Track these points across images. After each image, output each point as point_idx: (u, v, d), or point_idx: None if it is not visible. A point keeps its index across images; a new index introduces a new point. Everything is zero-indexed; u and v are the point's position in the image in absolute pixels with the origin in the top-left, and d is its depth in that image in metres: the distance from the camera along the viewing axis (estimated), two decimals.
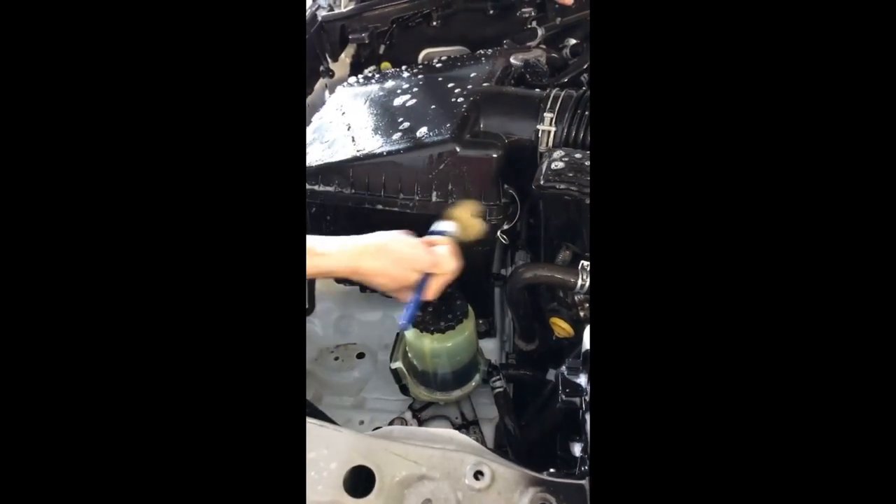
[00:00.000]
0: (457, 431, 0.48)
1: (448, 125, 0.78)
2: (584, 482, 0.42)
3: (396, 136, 0.80)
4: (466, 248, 0.83)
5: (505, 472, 0.43)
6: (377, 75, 1.07)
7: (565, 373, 0.52)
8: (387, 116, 0.86)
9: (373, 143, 0.80)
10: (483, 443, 0.76)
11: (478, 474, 0.42)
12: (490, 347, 0.91)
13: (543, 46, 1.14)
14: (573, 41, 1.17)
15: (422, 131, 0.79)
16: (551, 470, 0.50)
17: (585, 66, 1.05)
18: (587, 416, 0.47)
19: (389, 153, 0.77)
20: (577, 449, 0.57)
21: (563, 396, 0.51)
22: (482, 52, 1.05)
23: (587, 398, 0.48)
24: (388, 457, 0.43)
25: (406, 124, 0.82)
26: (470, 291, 0.79)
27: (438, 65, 1.06)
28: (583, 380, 0.50)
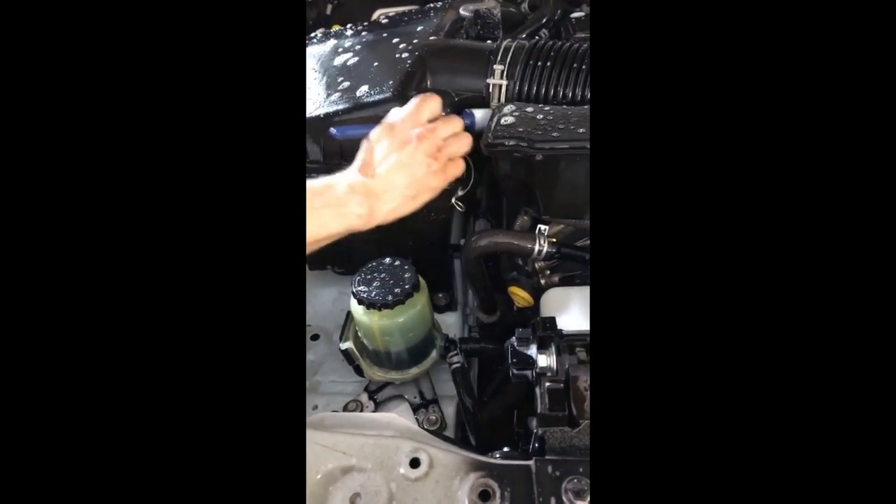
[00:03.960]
0: (395, 415, 0.43)
1: (391, 82, 0.71)
2: (531, 463, 0.38)
3: (335, 96, 0.73)
4: (421, 218, 0.78)
5: (444, 457, 0.38)
6: (320, 35, 0.99)
7: (515, 344, 0.47)
8: (326, 77, 0.79)
9: (309, 106, 0.73)
10: (443, 421, 0.72)
11: (414, 462, 0.38)
12: (451, 322, 0.87)
13: (499, 0, 1.07)
14: None
15: (362, 90, 0.72)
16: (505, 449, 0.47)
17: (544, 20, 0.99)
18: (537, 390, 0.43)
19: (327, 116, 0.70)
20: (534, 424, 0.53)
21: (514, 370, 0.47)
22: (432, 5, 0.97)
23: (537, 370, 0.44)
24: (313, 449, 0.38)
25: (346, 84, 0.75)
26: (427, 263, 0.74)
27: (384, 20, 0.98)
28: (533, 351, 0.46)
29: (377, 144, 0.56)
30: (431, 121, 0.58)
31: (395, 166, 0.55)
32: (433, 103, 0.59)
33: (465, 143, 0.59)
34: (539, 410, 0.40)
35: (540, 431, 0.39)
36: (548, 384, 0.40)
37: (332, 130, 0.58)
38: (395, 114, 0.59)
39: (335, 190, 0.53)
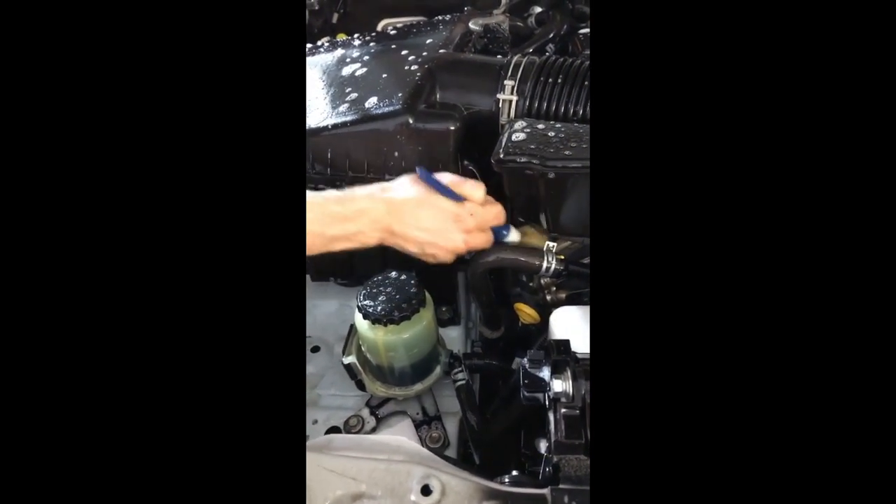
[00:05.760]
0: (405, 439, 0.42)
1: (400, 95, 0.70)
2: (546, 492, 0.37)
3: (343, 107, 0.72)
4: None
5: (456, 484, 0.37)
6: (326, 44, 0.98)
7: (527, 366, 0.46)
8: (333, 87, 0.78)
9: (317, 117, 0.72)
10: (446, 438, 0.71)
11: (425, 489, 0.37)
12: (454, 336, 0.86)
13: (507, 14, 1.07)
14: (539, 9, 1.10)
15: (371, 102, 0.71)
16: (514, 473, 0.45)
17: (551, 35, 0.99)
18: (550, 416, 0.42)
19: (335, 126, 0.70)
20: (542, 446, 0.52)
21: (526, 392, 0.46)
22: (440, 17, 0.97)
23: (552, 395, 0.43)
24: (320, 474, 0.37)
25: (354, 95, 0.74)
26: (431, 276, 0.73)
27: (393, 32, 0.97)
28: (545, 373, 0.45)
29: (447, 221, 0.60)
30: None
31: (423, 241, 0.60)
32: (500, 222, 0.64)
33: (487, 245, 0.65)
34: (554, 438, 0.39)
35: (555, 459, 0.38)
36: (563, 410, 0.39)
37: (421, 171, 0.62)
38: (478, 210, 0.62)
39: (359, 215, 0.58)
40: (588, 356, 0.46)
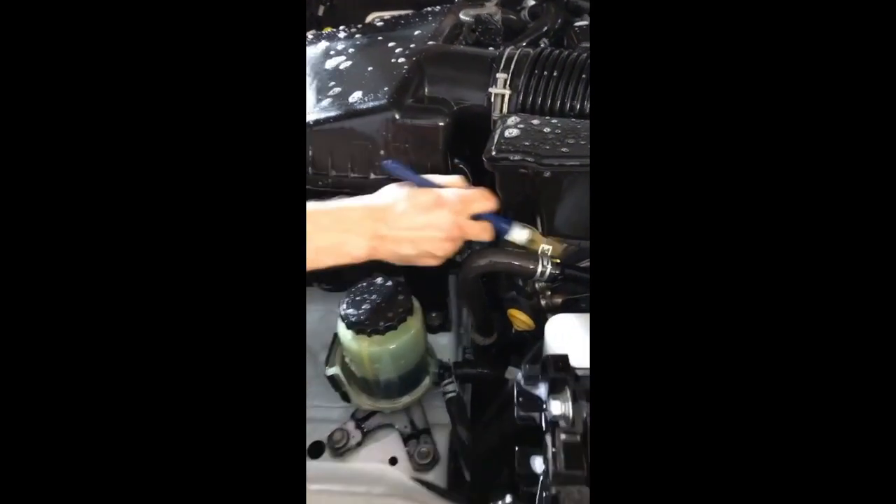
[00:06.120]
0: (386, 467, 0.38)
1: (386, 89, 0.66)
2: None
3: (325, 102, 0.68)
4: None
5: None
6: (310, 37, 0.94)
7: (521, 382, 0.42)
8: (316, 81, 0.74)
9: None
10: (435, 453, 0.67)
11: None
12: (445, 343, 0.82)
13: (500, 6, 1.03)
14: (532, 2, 1.07)
15: (355, 96, 0.67)
16: (507, 499, 0.42)
17: (545, 29, 0.95)
18: (547, 439, 0.38)
19: (316, 122, 0.65)
20: (537, 465, 0.48)
21: (521, 412, 0.42)
22: (430, 9, 0.93)
23: (547, 413, 0.39)
24: None
25: (337, 89, 0.70)
26: (420, 281, 0.70)
27: (380, 23, 0.93)
28: (542, 391, 0.41)
29: (431, 209, 0.57)
30: (475, 217, 0.59)
31: (414, 237, 0.56)
32: (488, 204, 0.59)
33: (485, 235, 0.60)
34: (553, 468, 0.35)
35: (553, 490, 0.35)
36: (563, 436, 0.36)
37: (389, 163, 0.59)
38: (454, 193, 0.58)
39: (346, 220, 0.55)
40: (588, 371, 0.42)
